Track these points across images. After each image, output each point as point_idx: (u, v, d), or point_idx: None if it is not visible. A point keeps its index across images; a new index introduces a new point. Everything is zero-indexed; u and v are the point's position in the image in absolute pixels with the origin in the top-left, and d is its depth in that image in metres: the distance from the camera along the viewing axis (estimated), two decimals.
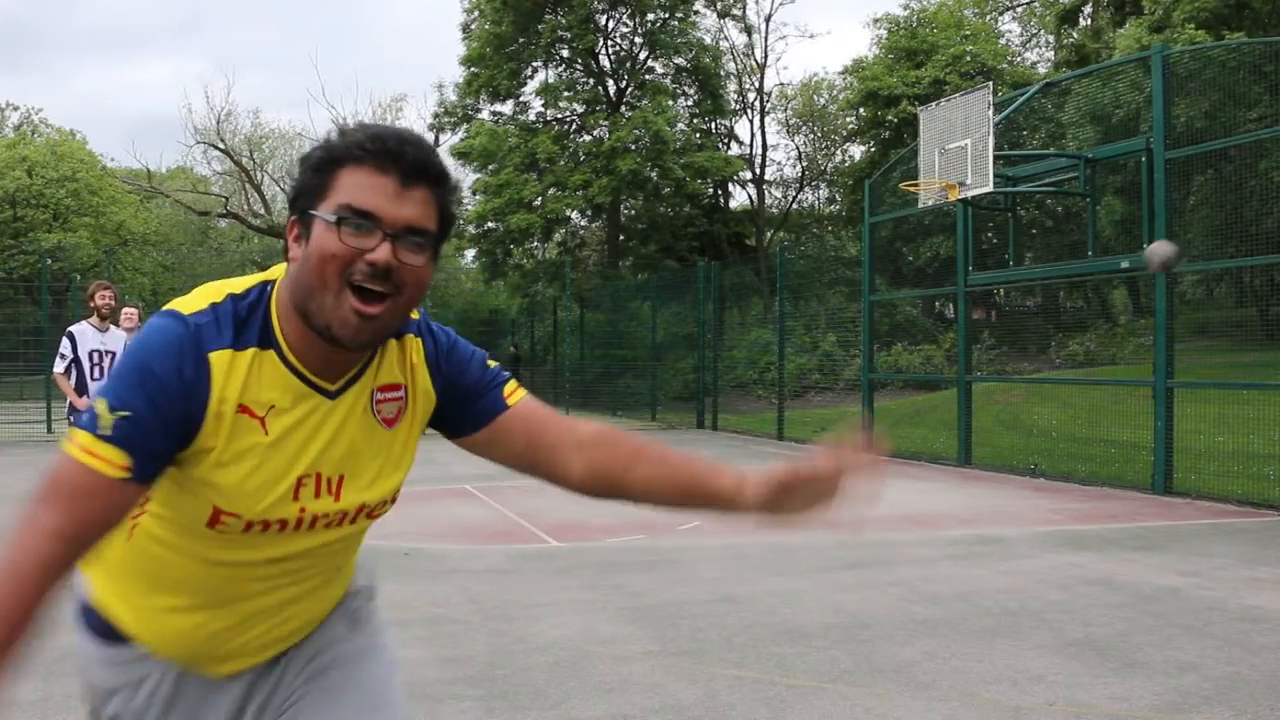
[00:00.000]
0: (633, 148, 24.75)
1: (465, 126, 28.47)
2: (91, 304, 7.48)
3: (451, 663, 4.12)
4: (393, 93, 79.76)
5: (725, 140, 31.47)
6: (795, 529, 1.39)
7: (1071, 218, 17.43)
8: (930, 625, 4.69)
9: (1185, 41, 15.49)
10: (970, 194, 10.38)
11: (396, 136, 1.29)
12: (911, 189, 11.50)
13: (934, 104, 11.31)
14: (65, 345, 7.37)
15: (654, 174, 25.61)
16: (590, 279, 28.07)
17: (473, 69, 27.63)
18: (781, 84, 43.31)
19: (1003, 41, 28.58)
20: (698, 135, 28.20)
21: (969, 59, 24.33)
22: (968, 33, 25.71)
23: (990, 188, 10.19)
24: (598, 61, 27.74)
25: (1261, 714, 3.54)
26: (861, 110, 27.07)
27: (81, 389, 7.24)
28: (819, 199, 35.85)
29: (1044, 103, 14.33)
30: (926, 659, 4.16)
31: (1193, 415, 9.59)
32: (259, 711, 1.55)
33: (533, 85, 28.04)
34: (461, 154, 26.88)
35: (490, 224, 26.72)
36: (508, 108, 28.67)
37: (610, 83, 28.05)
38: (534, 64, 27.68)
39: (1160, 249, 6.76)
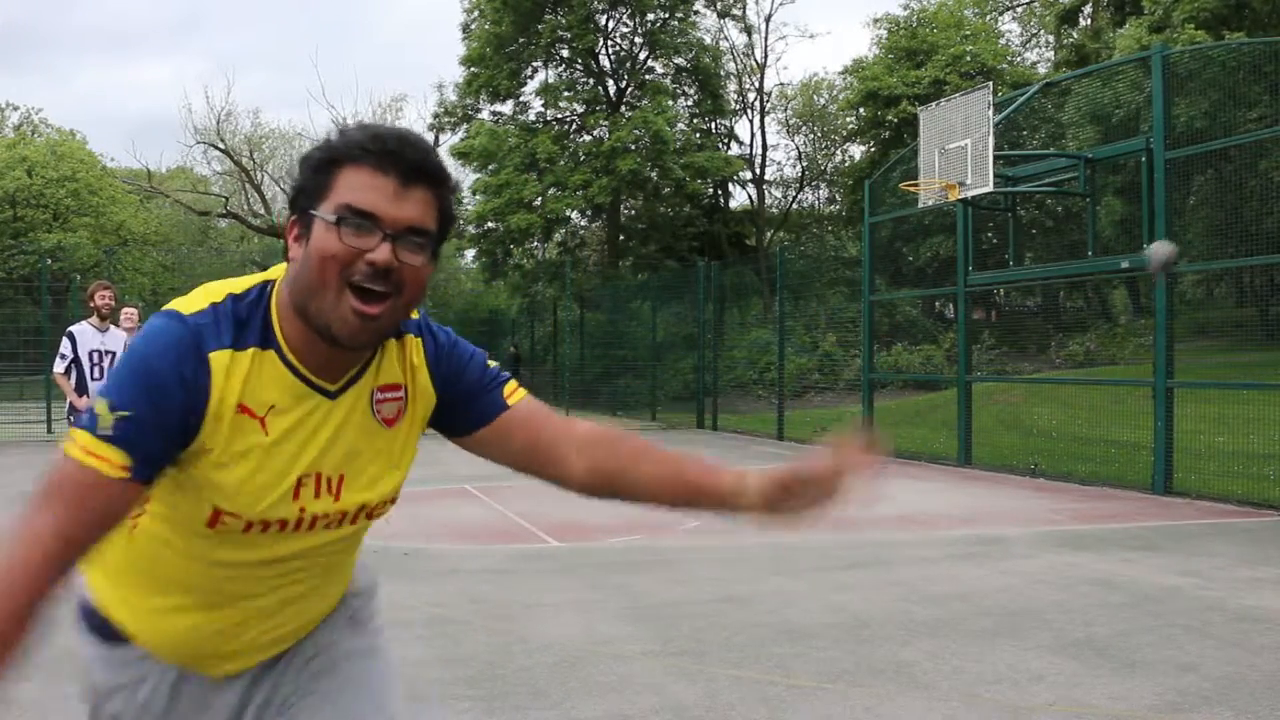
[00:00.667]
0: (633, 148, 24.76)
1: (465, 126, 28.49)
2: (91, 304, 7.48)
3: (452, 663, 4.12)
4: (393, 93, 79.83)
5: (725, 140, 31.46)
6: (795, 528, 1.40)
7: (1071, 218, 17.42)
8: (930, 625, 4.69)
9: (1185, 41, 15.49)
10: (970, 194, 10.37)
11: (396, 137, 1.29)
12: (911, 189, 11.50)
13: (934, 104, 11.31)
14: (65, 345, 7.37)
15: (654, 174, 25.62)
16: (590, 279, 28.06)
17: (473, 69, 27.64)
18: (781, 84, 43.36)
19: (1003, 41, 28.60)
20: (698, 135, 28.20)
21: (969, 59, 24.33)
22: (968, 33, 25.72)
23: (990, 188, 10.18)
24: (598, 61, 27.75)
25: (1261, 714, 3.54)
26: (861, 110, 27.08)
27: (81, 389, 7.24)
28: (819, 199, 35.87)
29: (1044, 103, 14.33)
30: (926, 659, 4.16)
31: (1193, 415, 9.59)
32: (259, 711, 1.55)
33: (533, 85, 28.09)
34: (461, 154, 26.89)
35: (490, 224, 26.74)
36: (508, 108, 28.73)
37: (610, 83, 28.06)
38: (534, 64, 27.70)
39: (1160, 250, 6.76)
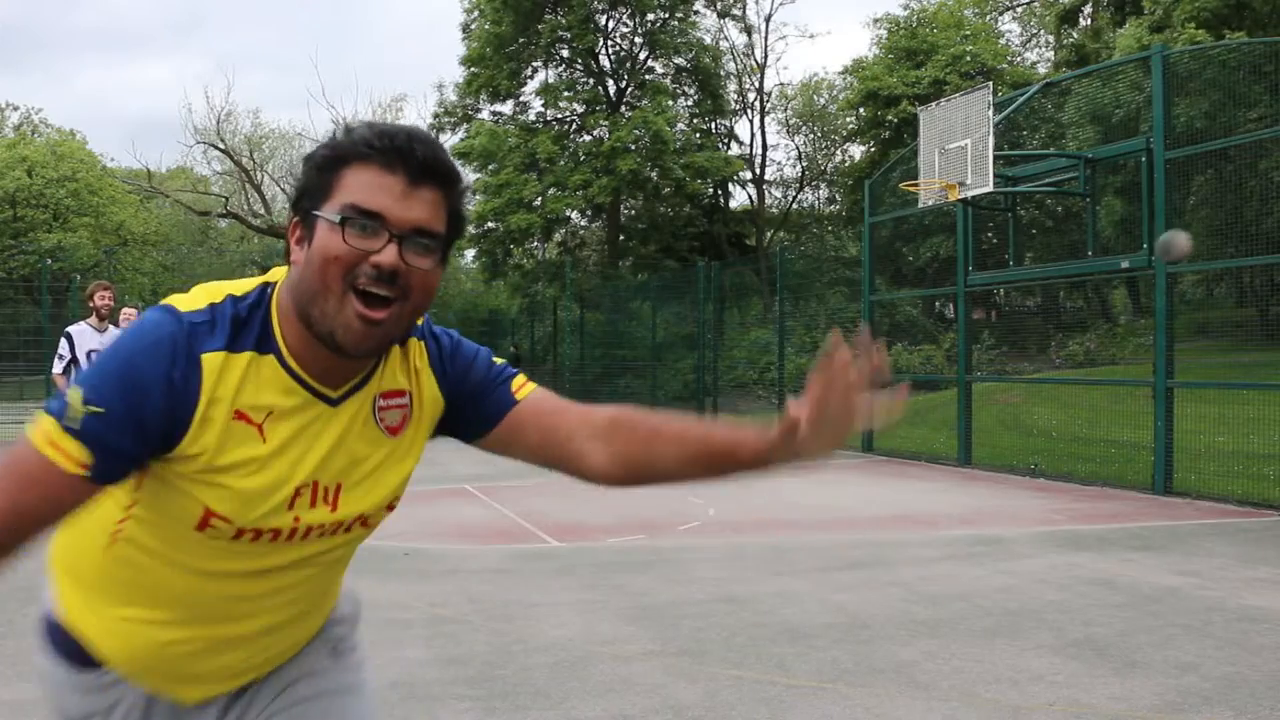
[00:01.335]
0: (633, 148, 24.76)
1: (465, 126, 28.49)
2: (91, 304, 7.47)
3: (452, 663, 4.12)
4: (393, 93, 79.79)
5: (725, 140, 31.45)
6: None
7: (1071, 218, 17.41)
8: (930, 625, 4.69)
9: (1186, 41, 15.49)
10: (970, 194, 10.37)
11: (405, 134, 1.23)
12: (911, 189, 11.50)
13: (934, 104, 11.31)
14: (63, 346, 7.35)
15: (654, 174, 25.62)
16: (590, 279, 28.06)
17: (473, 69, 27.65)
18: (781, 84, 43.33)
19: (1003, 41, 28.58)
20: (698, 135, 28.20)
21: (969, 59, 24.32)
22: (968, 33, 25.71)
23: (990, 188, 10.18)
24: (598, 61, 27.75)
25: (1261, 714, 3.54)
26: (861, 110, 27.05)
27: None
28: (819, 199, 35.83)
29: (1044, 103, 14.33)
30: (926, 659, 4.16)
31: (1193, 415, 9.59)
32: None
33: (533, 85, 28.10)
34: (461, 154, 26.86)
35: (490, 224, 26.74)
36: (508, 108, 28.73)
37: (610, 83, 28.06)
38: (534, 64, 27.71)
39: (1177, 239, 6.67)
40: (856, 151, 31.38)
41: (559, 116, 27.96)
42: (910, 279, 21.90)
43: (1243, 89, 10.26)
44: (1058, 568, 6.03)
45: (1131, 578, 5.74)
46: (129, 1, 73.20)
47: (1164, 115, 9.30)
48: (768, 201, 33.80)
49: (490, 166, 26.17)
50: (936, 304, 22.96)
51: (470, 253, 32.93)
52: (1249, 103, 10.58)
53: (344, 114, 37.22)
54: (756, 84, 31.84)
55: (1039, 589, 5.46)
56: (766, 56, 32.01)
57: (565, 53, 27.42)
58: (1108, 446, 10.84)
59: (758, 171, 31.85)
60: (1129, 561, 6.22)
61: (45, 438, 1.19)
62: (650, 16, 26.88)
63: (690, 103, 29.18)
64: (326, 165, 1.25)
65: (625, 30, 27.72)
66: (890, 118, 24.93)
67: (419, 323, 1.41)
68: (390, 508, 1.45)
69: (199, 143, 37.77)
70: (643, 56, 27.92)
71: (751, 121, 46.51)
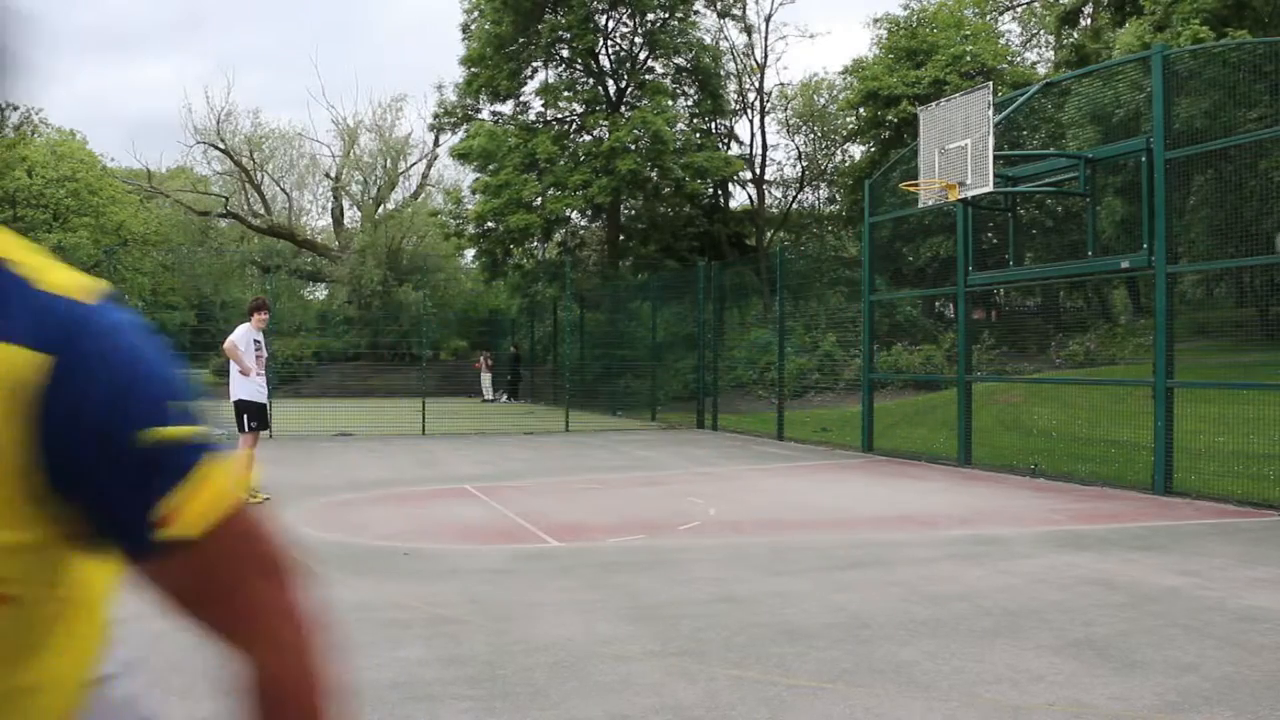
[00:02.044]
0: (632, 148, 24.76)
1: (465, 127, 28.50)
2: None
3: (452, 663, 4.13)
4: (393, 93, 79.74)
5: (725, 140, 31.46)
6: None
7: (1071, 218, 17.42)
8: (930, 625, 4.69)
9: (1188, 39, 15.48)
10: (970, 194, 10.37)
11: None
12: (911, 189, 11.50)
13: (934, 104, 11.31)
14: None
15: (654, 174, 25.62)
16: (590, 279, 28.08)
17: (473, 69, 27.66)
18: (781, 84, 43.30)
19: (1003, 41, 28.58)
20: (698, 135, 28.20)
21: (969, 59, 24.33)
22: (968, 33, 25.71)
23: (990, 188, 10.18)
24: (597, 61, 27.75)
25: (1262, 714, 3.54)
26: (861, 110, 27.06)
27: None
28: (819, 199, 35.83)
29: (1044, 103, 14.33)
30: (926, 659, 4.16)
31: (1193, 415, 9.59)
32: None
33: (533, 85, 28.11)
34: (461, 154, 26.91)
35: (490, 224, 26.74)
36: (508, 108, 28.74)
37: (610, 83, 28.06)
38: (534, 64, 27.71)
39: None
40: (856, 151, 31.39)
41: (559, 116, 27.97)
42: (910, 279, 21.92)
43: (1243, 88, 10.27)
44: (1058, 568, 6.03)
45: (1132, 578, 5.74)
46: (129, 1, 73.27)
47: (1164, 115, 9.30)
48: (768, 201, 33.80)
49: (490, 167, 26.18)
50: (936, 304, 22.98)
51: (470, 253, 32.95)
52: (1249, 102, 10.59)
53: (344, 114, 37.20)
54: (756, 84, 31.87)
55: (1039, 589, 5.46)
56: (766, 56, 32.05)
57: (565, 53, 27.43)
58: (1108, 446, 10.84)
59: (758, 171, 31.87)
60: (1129, 561, 6.22)
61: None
62: (650, 16, 26.89)
63: (690, 103, 29.18)
64: None
65: (625, 30, 27.76)
66: (890, 118, 24.94)
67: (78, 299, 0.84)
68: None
69: (199, 143, 37.83)
70: (642, 56, 27.94)
71: (751, 121, 46.54)
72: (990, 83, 12.15)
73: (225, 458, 0.89)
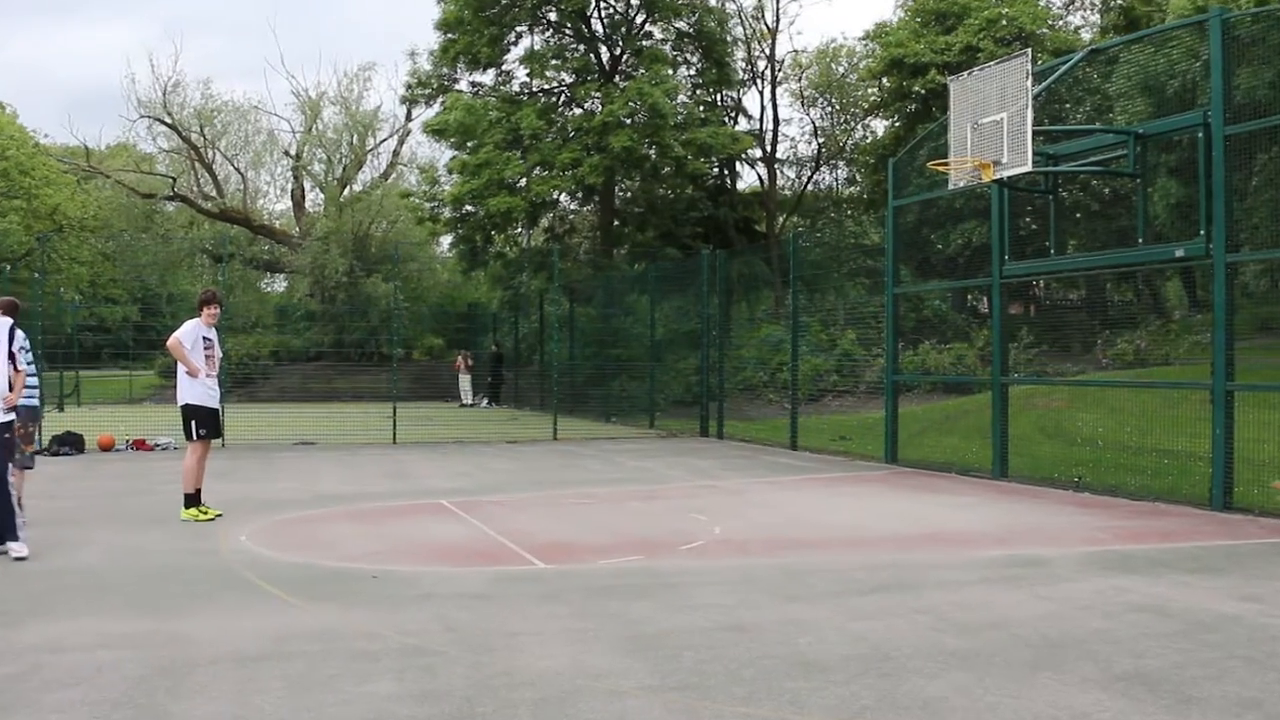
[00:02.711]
0: (627, 122, 24.78)
1: (441, 99, 28.49)
2: None
3: (426, 698, 4.12)
4: (360, 61, 79.74)
5: (732, 114, 31.51)
6: None
7: (1120, 201, 17.45)
8: (962, 657, 4.70)
9: (1248, 1, 15.50)
10: (1006, 174, 10.39)
11: None
12: (940, 168, 11.51)
13: (966, 73, 11.32)
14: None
15: (651, 152, 25.64)
16: (581, 269, 28.11)
17: (449, 34, 27.67)
18: (795, 51, 43.32)
19: (1043, 3, 28.61)
20: (701, 108, 28.24)
21: (1005, 23, 24.36)
22: None
23: (1029, 167, 10.19)
24: (589, 25, 27.77)
25: None
26: (885, 80, 27.10)
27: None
28: (837, 180, 35.91)
29: (1089, 72, 14.34)
30: (957, 694, 4.17)
31: (1255, 422, 9.59)
32: None
33: (516, 52, 28.13)
34: (436, 130, 26.90)
35: (468, 207, 26.76)
36: (488, 78, 28.76)
37: (603, 49, 28.08)
38: (518, 28, 27.73)
39: None
40: (879, 126, 31.45)
41: (545, 87, 27.98)
42: (939, 269, 21.95)
43: None
44: (1104, 592, 6.03)
45: (1186, 604, 5.74)
46: None
47: (1223, 85, 9.30)
48: (780, 183, 33.85)
49: (469, 143, 26.17)
50: (969, 297, 23.02)
51: (446, 240, 32.96)
52: None
53: (305, 85, 37.20)
54: (767, 51, 31.90)
55: (1083, 616, 5.46)
56: (778, 20, 31.98)
57: (553, 15, 27.45)
58: (1160, 457, 10.86)
59: (768, 149, 31.91)
60: (1183, 585, 6.23)
61: None
62: None
63: (692, 72, 29.21)
64: None
65: None
66: (917, 89, 24.97)
67: None
68: None
69: (143, 117, 37.82)
70: (639, 20, 27.95)
71: (761, 93, 46.50)
72: (1029, 49, 12.16)
73: None
